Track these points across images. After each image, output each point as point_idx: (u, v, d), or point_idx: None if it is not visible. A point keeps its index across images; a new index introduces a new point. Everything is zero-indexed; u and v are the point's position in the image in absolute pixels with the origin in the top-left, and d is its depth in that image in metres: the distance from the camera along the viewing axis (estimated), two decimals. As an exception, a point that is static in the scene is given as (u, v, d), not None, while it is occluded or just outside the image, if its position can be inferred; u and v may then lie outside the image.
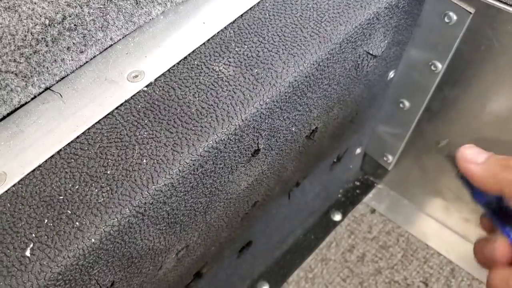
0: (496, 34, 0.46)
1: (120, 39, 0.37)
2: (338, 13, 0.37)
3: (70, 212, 0.28)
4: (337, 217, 0.74)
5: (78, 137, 0.32)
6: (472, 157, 0.30)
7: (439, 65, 0.52)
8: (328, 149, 0.54)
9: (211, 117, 0.32)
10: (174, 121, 0.32)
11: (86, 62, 0.36)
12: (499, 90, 0.50)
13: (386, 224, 0.73)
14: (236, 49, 0.36)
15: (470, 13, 0.46)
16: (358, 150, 0.69)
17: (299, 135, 0.43)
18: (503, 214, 0.28)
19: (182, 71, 0.35)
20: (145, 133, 0.31)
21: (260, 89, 0.33)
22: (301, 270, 0.70)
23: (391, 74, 0.52)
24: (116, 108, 0.33)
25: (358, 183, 0.77)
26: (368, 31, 0.39)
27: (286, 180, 0.50)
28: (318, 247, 0.72)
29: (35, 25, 0.32)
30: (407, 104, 0.59)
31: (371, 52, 0.41)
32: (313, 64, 0.35)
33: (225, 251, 0.50)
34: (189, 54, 0.36)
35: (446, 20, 0.48)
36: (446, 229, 0.71)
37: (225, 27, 0.37)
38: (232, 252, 0.53)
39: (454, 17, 0.47)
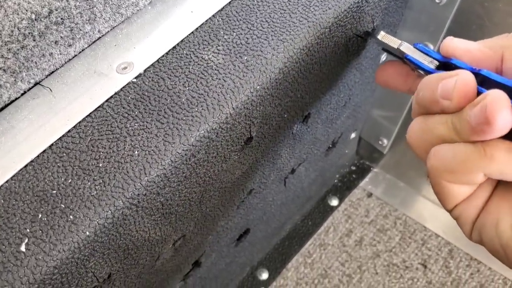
0: (487, 13, 0.46)
1: (108, 31, 0.37)
2: (327, -3, 0.37)
3: (63, 206, 0.28)
4: (334, 202, 0.75)
5: (69, 131, 0.32)
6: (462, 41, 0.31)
7: (431, 46, 0.52)
8: (322, 134, 0.54)
9: (201, 106, 0.32)
10: (165, 112, 0.32)
11: (75, 55, 0.36)
12: (491, 70, 0.50)
13: (383, 207, 0.74)
14: (225, 37, 0.36)
15: (460, -7, 0.46)
16: (353, 135, 0.69)
17: (292, 121, 0.43)
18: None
19: (171, 61, 0.35)
20: (135, 124, 0.31)
21: (250, 77, 0.33)
22: (300, 255, 0.70)
23: (383, 57, 0.52)
24: (106, 100, 0.33)
25: (354, 168, 0.78)
26: (357, 14, 0.39)
27: (281, 167, 0.50)
28: (316, 232, 0.72)
29: (22, 20, 0.32)
30: (400, 87, 0.59)
31: (361, 35, 0.41)
32: (303, 50, 0.35)
33: (223, 240, 0.50)
34: (177, 44, 0.36)
35: (437, 0, 0.48)
36: (443, 210, 0.71)
37: (213, 15, 0.37)
38: (230, 241, 0.53)
39: (445, -3, 0.47)
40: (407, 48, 0.34)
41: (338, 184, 0.76)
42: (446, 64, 0.31)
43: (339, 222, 0.73)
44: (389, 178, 0.76)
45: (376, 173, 0.77)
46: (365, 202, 0.75)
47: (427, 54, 0.32)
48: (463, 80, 0.26)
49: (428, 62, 0.32)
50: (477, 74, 0.27)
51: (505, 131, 0.24)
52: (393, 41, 0.36)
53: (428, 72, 0.32)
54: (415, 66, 0.33)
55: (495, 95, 0.24)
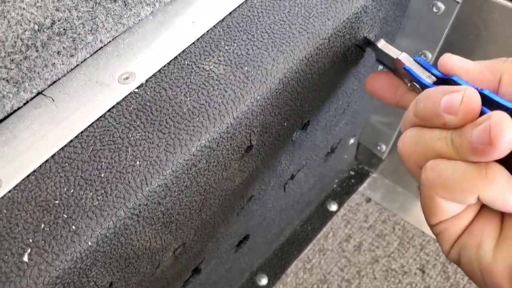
0: (484, 23, 0.47)
1: (110, 41, 0.37)
2: (326, 8, 0.38)
3: (66, 216, 0.28)
4: (333, 207, 0.75)
5: (71, 141, 0.32)
6: (460, 59, 0.31)
7: (429, 55, 0.52)
8: (321, 141, 0.55)
9: (203, 116, 0.33)
10: (166, 122, 0.32)
11: (77, 65, 0.36)
12: (488, 78, 0.50)
13: (382, 212, 0.74)
14: (225, 47, 0.36)
15: (458, 2, 0.46)
16: (352, 141, 0.69)
17: (291, 129, 0.43)
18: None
19: (172, 71, 0.35)
20: (137, 134, 0.32)
21: (251, 87, 0.34)
22: (299, 261, 0.71)
23: (381, 66, 0.53)
24: (108, 110, 0.33)
25: (353, 173, 0.78)
26: (356, 25, 0.39)
27: (281, 174, 0.50)
28: (315, 237, 0.73)
29: (25, 30, 0.32)
30: (398, 94, 0.60)
31: (360, 45, 0.41)
32: (302, 60, 0.36)
33: (222, 246, 0.50)
34: (179, 54, 0.36)
35: (435, 10, 0.48)
36: (441, 215, 0.72)
37: (214, 26, 0.38)
38: (230, 247, 0.53)
39: (442, 7, 0.48)
40: (407, 60, 0.34)
41: (337, 189, 0.77)
42: (445, 81, 0.31)
43: (338, 227, 0.73)
44: (387, 183, 0.77)
45: (375, 178, 0.78)
46: (364, 207, 0.75)
47: (426, 69, 0.32)
48: (470, 96, 0.26)
49: (426, 77, 0.32)
50: (478, 93, 0.27)
51: (506, 153, 0.24)
52: (392, 51, 0.36)
53: (425, 86, 0.32)
54: (412, 79, 0.33)
55: (499, 116, 0.24)
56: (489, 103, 0.27)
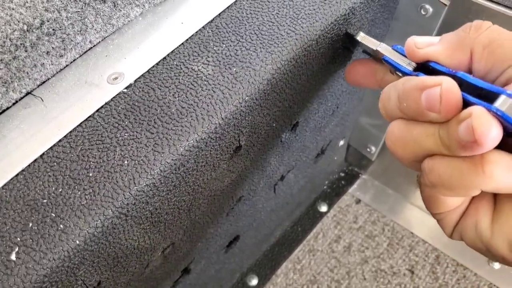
0: (471, 25, 0.47)
1: (99, 41, 0.37)
2: (314, 9, 0.38)
3: (54, 215, 0.29)
4: (323, 208, 0.75)
5: (60, 140, 0.32)
6: (425, 40, 0.30)
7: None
8: (311, 142, 0.55)
9: (191, 116, 0.33)
10: (155, 122, 0.33)
11: (66, 65, 0.36)
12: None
13: (372, 214, 0.75)
14: (214, 48, 0.36)
15: (445, 5, 0.47)
16: (341, 142, 0.70)
17: (280, 130, 0.43)
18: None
19: (161, 71, 0.35)
20: (125, 134, 0.32)
21: (239, 87, 0.34)
22: (290, 261, 0.71)
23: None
24: (97, 110, 0.34)
25: (343, 174, 0.78)
26: (344, 26, 0.39)
27: (271, 174, 0.51)
28: (305, 238, 0.73)
29: (14, 31, 0.32)
30: (387, 95, 0.60)
31: (348, 47, 0.42)
32: (291, 61, 0.36)
33: (212, 247, 0.50)
34: (168, 55, 0.36)
35: (423, 12, 0.49)
36: (430, 217, 0.72)
37: (203, 27, 0.38)
38: (220, 247, 0.53)
39: (430, 9, 0.48)
40: (385, 50, 0.34)
41: (327, 191, 0.77)
42: (424, 66, 0.31)
43: (328, 228, 0.74)
44: (377, 184, 0.77)
45: (365, 180, 0.78)
46: (353, 208, 0.76)
47: (405, 56, 0.32)
48: (448, 91, 0.25)
49: (406, 64, 0.32)
50: (454, 77, 0.27)
51: (494, 146, 0.24)
52: (371, 42, 0.36)
53: (405, 74, 0.32)
54: (393, 68, 0.33)
55: (478, 114, 0.23)
56: (465, 85, 0.27)
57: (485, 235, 0.28)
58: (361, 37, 0.37)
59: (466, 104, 0.25)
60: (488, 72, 0.28)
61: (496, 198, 0.29)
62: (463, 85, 0.26)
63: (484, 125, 0.23)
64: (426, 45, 0.30)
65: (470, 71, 0.29)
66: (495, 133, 0.23)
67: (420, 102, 0.26)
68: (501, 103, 0.24)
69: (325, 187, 0.77)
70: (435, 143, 0.26)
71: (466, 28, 0.29)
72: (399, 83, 0.28)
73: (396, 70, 0.33)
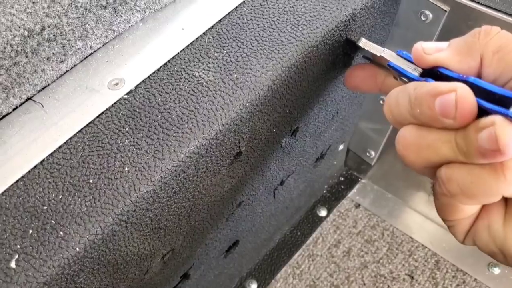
0: (471, 31, 0.47)
1: (100, 47, 0.37)
2: (315, 16, 0.38)
3: (54, 222, 0.28)
4: (322, 212, 0.75)
5: (60, 146, 0.32)
6: (433, 46, 0.30)
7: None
8: (310, 147, 0.55)
9: (192, 122, 0.33)
10: (155, 128, 0.32)
11: (67, 71, 0.36)
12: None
13: (371, 218, 0.75)
14: (215, 54, 0.36)
15: (445, 11, 0.47)
16: (341, 147, 0.70)
17: (280, 135, 0.43)
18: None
19: (162, 77, 0.35)
20: (126, 140, 0.32)
21: (240, 94, 0.34)
22: (289, 266, 0.71)
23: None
24: (98, 116, 0.33)
25: (342, 179, 0.78)
26: (345, 33, 0.39)
27: (270, 179, 0.51)
28: (305, 243, 0.73)
29: (14, 36, 0.32)
30: (387, 100, 0.60)
31: (348, 53, 0.42)
32: (291, 68, 0.36)
33: (211, 252, 0.50)
34: (169, 61, 0.36)
35: (423, 18, 0.49)
36: (430, 222, 0.72)
37: (204, 33, 0.38)
38: (219, 252, 0.53)
39: (430, 15, 0.48)
40: (390, 55, 0.34)
41: (326, 195, 0.77)
42: (431, 71, 0.30)
43: (328, 232, 0.74)
44: (376, 189, 0.77)
45: (364, 184, 0.78)
46: (353, 213, 0.76)
47: (410, 62, 0.32)
48: (463, 98, 0.25)
49: (412, 70, 0.32)
50: (465, 82, 0.27)
51: None
52: (374, 48, 0.36)
53: (412, 80, 0.32)
54: (399, 74, 0.33)
55: (502, 123, 0.23)
56: (476, 89, 0.26)
57: (499, 237, 0.28)
58: (363, 43, 0.37)
59: (480, 110, 0.25)
60: (498, 78, 0.28)
61: (507, 199, 0.29)
62: (475, 90, 0.26)
63: (507, 134, 0.23)
64: (434, 50, 0.30)
65: (479, 77, 0.29)
66: None
67: (434, 109, 0.26)
68: None
69: (324, 191, 0.77)
70: (451, 150, 0.26)
71: (475, 33, 0.29)
72: (410, 88, 0.28)
73: (402, 76, 0.33)
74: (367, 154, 0.73)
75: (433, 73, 0.30)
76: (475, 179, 0.25)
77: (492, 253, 0.29)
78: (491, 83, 0.27)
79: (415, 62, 0.31)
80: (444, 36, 0.49)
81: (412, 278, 0.69)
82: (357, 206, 0.76)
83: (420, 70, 0.31)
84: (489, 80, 0.28)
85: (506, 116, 0.24)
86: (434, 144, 0.27)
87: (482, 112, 0.25)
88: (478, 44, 0.28)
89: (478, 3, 0.44)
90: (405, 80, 0.33)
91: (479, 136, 0.24)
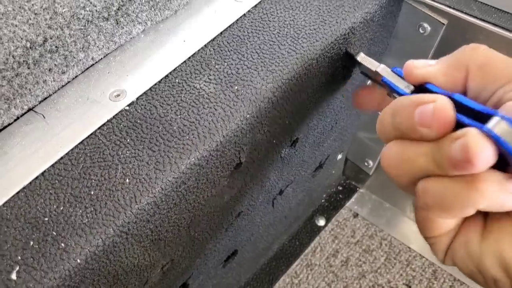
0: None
1: (101, 58, 0.38)
2: (315, 29, 0.39)
3: (55, 233, 0.29)
4: (321, 222, 0.75)
5: (61, 157, 0.32)
6: (423, 61, 0.31)
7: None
8: (309, 157, 0.55)
9: (192, 134, 0.33)
10: (156, 139, 0.33)
11: (68, 82, 0.36)
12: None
13: (369, 228, 0.75)
14: (216, 66, 0.37)
15: (443, 24, 0.47)
16: (339, 156, 0.70)
17: (280, 146, 0.44)
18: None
19: (163, 89, 0.36)
20: (127, 152, 0.32)
21: (240, 106, 0.34)
22: (287, 276, 0.71)
23: (369, 83, 0.54)
24: (99, 127, 0.34)
25: (340, 188, 0.79)
26: (344, 46, 0.40)
27: (269, 189, 0.51)
28: (303, 252, 0.73)
29: (17, 48, 0.32)
30: (385, 111, 0.61)
31: (347, 65, 0.42)
32: (291, 80, 0.36)
33: (210, 262, 0.50)
34: (170, 72, 0.37)
35: (421, 31, 0.49)
36: (427, 231, 0.73)
37: (205, 45, 0.38)
38: (218, 262, 0.53)
39: (428, 28, 0.49)
40: (384, 71, 0.34)
41: (325, 204, 0.77)
42: (421, 89, 0.31)
43: (326, 242, 0.74)
44: (374, 198, 0.77)
45: (362, 194, 0.78)
46: (351, 222, 0.76)
47: (403, 79, 0.33)
48: (441, 107, 0.25)
49: (404, 87, 0.32)
50: (450, 98, 0.27)
51: (486, 167, 0.24)
52: (371, 63, 0.36)
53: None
54: (391, 90, 0.33)
55: (473, 134, 0.24)
56: (460, 106, 0.27)
57: (475, 253, 0.27)
58: (361, 57, 0.37)
59: (460, 125, 0.26)
60: (482, 91, 0.28)
61: (486, 217, 0.29)
62: (458, 106, 0.27)
63: (479, 146, 0.23)
64: (424, 65, 0.31)
65: (465, 91, 0.29)
66: (488, 154, 0.24)
67: (413, 118, 0.27)
68: (493, 124, 0.24)
69: (323, 201, 0.77)
70: (428, 162, 0.26)
71: (463, 48, 0.30)
72: (394, 101, 0.29)
73: (393, 92, 0.33)
74: (365, 163, 0.73)
75: (423, 90, 0.31)
76: (448, 192, 0.26)
77: (472, 273, 0.28)
78: (474, 97, 0.28)
79: (406, 78, 0.32)
80: (442, 49, 0.49)
81: (410, 287, 0.69)
82: (355, 215, 0.76)
83: (412, 87, 0.32)
84: (473, 93, 0.29)
85: (480, 130, 0.24)
86: (412, 157, 0.27)
87: (463, 127, 0.25)
88: (465, 57, 0.29)
89: (475, 17, 0.44)
90: (396, 96, 0.33)
91: (452, 146, 0.24)
